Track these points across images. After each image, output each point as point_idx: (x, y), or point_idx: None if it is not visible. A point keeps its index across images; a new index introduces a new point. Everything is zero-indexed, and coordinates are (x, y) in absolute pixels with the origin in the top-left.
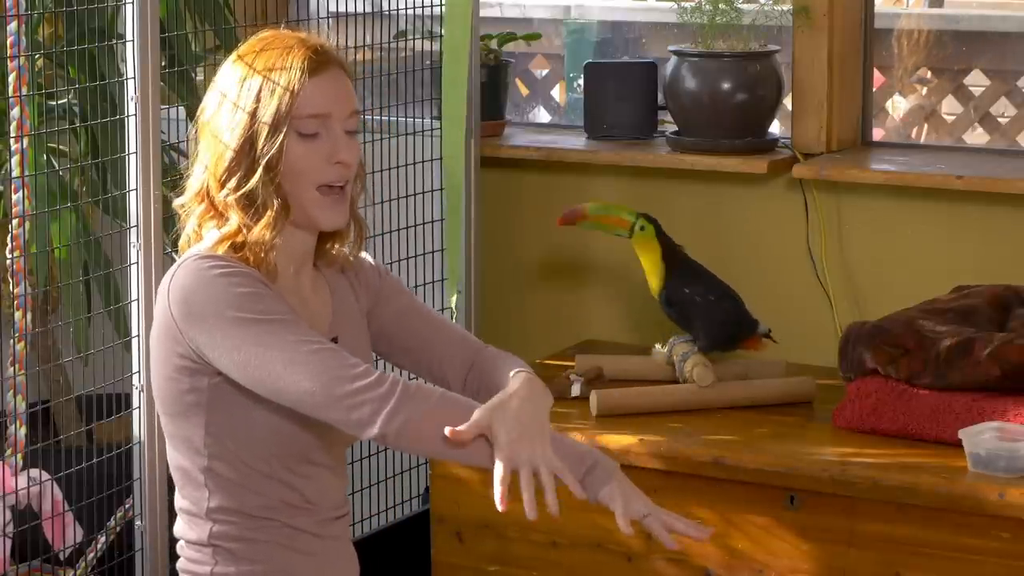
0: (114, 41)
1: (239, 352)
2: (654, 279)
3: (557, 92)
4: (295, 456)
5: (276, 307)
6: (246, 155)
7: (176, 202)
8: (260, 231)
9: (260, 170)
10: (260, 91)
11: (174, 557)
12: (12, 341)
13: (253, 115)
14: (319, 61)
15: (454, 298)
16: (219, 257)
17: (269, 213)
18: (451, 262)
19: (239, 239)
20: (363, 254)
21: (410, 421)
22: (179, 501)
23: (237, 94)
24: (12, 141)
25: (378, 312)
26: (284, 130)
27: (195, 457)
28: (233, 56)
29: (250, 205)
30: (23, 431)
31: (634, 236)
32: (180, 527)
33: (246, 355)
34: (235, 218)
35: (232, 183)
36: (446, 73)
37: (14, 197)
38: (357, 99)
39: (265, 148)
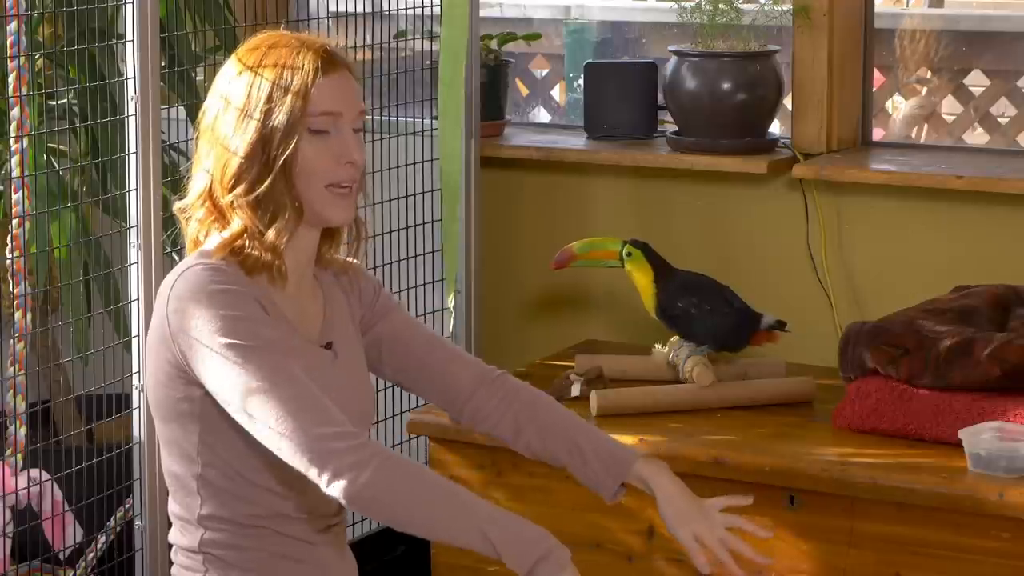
0: (114, 41)
1: (220, 376)
2: (648, 300)
3: (557, 92)
4: (288, 467)
5: (269, 334)
6: (258, 158)
7: (176, 205)
8: (274, 234)
9: (275, 172)
10: (272, 92)
11: None
12: (12, 341)
13: (265, 117)
14: (329, 61)
15: (451, 298)
16: (222, 270)
17: (283, 216)
18: (449, 262)
19: (240, 243)
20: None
21: (380, 489)
22: (172, 506)
23: (245, 97)
24: (12, 141)
25: (375, 328)
26: (298, 131)
27: (188, 464)
28: (234, 58)
29: (263, 208)
30: (23, 431)
31: (625, 264)
32: (173, 533)
33: (225, 381)
34: (239, 221)
35: (242, 188)
36: (443, 74)
37: (14, 197)
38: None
39: (280, 149)
